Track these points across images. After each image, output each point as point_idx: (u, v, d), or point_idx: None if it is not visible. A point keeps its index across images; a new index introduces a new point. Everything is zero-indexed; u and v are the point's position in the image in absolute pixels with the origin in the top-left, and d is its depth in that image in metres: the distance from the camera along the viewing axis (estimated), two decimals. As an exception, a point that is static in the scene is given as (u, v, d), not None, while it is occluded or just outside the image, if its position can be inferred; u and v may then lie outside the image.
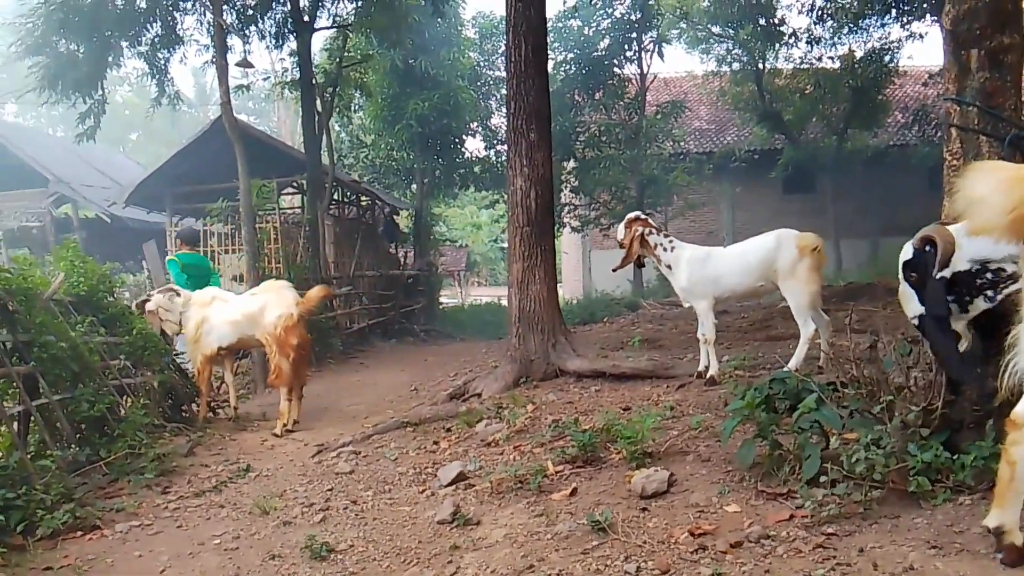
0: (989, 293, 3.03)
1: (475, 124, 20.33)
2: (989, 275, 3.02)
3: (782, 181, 20.06)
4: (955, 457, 3.04)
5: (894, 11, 15.60)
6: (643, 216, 6.51)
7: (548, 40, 17.44)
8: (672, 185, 18.28)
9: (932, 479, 3.01)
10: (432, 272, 18.80)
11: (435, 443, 5.24)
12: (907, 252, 3.20)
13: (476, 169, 20.23)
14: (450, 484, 4.22)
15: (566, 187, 19.19)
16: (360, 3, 13.42)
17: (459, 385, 6.92)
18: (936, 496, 2.97)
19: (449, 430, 5.54)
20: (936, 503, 2.95)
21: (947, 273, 3.01)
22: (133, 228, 18.38)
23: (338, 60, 13.63)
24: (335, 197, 14.59)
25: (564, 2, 18.05)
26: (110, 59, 11.26)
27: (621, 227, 6.37)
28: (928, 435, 3.13)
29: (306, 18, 12.53)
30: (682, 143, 20.53)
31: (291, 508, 4.24)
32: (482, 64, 20.54)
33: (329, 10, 13.66)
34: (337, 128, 19.47)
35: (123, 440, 5.12)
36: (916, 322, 3.28)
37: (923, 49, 67.08)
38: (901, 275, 3.27)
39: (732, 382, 5.06)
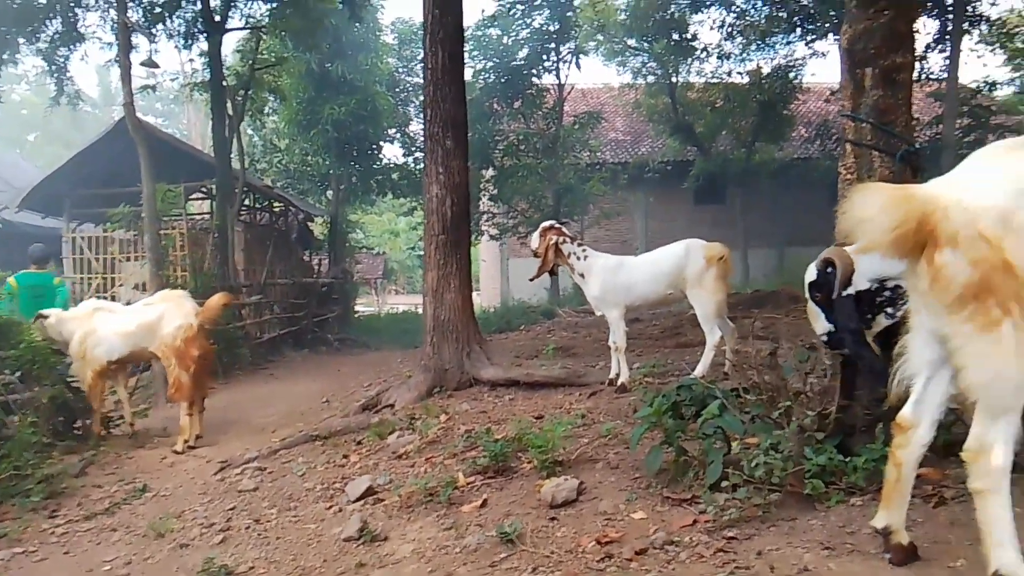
0: (889, 310, 3.16)
1: (393, 130, 20.16)
2: (888, 292, 3.16)
3: (694, 192, 20.63)
4: (848, 460, 3.15)
5: (799, 30, 16.31)
6: (557, 225, 6.57)
7: (467, 48, 17.50)
8: (588, 194, 18.55)
9: (826, 481, 3.11)
10: (347, 280, 18.50)
11: (345, 457, 5.12)
12: (811, 273, 3.31)
13: (394, 176, 20.05)
14: (358, 499, 4.12)
15: (484, 195, 19.22)
16: (274, 5, 13.13)
17: (372, 396, 6.79)
18: (830, 498, 3.07)
19: (360, 443, 5.42)
20: (830, 504, 3.05)
21: (851, 291, 3.13)
22: (28, 234, 17.36)
23: (251, 62, 13.29)
24: (246, 203, 14.19)
25: (483, 11, 18.13)
26: (5, 55, 10.65)
27: (535, 236, 6.42)
28: (823, 439, 3.24)
29: (217, 18, 12.17)
30: (598, 153, 20.88)
31: (189, 529, 4.05)
32: (401, 70, 20.40)
33: (242, 11, 13.32)
34: (250, 132, 18.97)
35: (7, 460, 4.80)
36: (825, 339, 3.39)
37: (825, 66, 70.31)
38: (807, 295, 3.39)
39: (642, 389, 5.14)
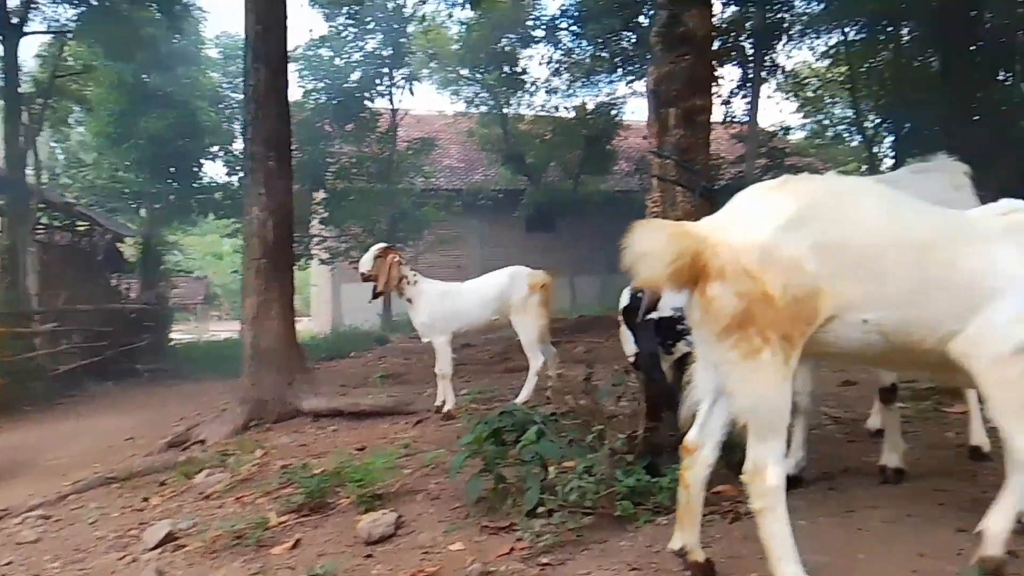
0: (688, 338, 3.33)
1: (217, 148, 19.18)
2: (688, 322, 3.33)
3: (525, 220, 21.18)
4: (655, 480, 3.27)
5: (620, 70, 17.27)
6: (393, 247, 6.48)
7: (297, 68, 17.05)
8: (423, 220, 18.55)
9: (636, 502, 3.20)
10: (162, 305, 17.22)
11: (145, 500, 4.68)
12: (625, 298, 3.44)
13: (217, 195, 19.03)
14: (156, 547, 3.76)
15: (315, 218, 18.68)
16: (83, 9, 12.11)
17: (180, 432, 6.29)
18: (639, 518, 3.16)
19: (163, 484, 4.99)
20: (639, 525, 3.13)
21: (655, 316, 3.27)
22: None
23: (53, 69, 12.17)
24: (43, 221, 12.87)
25: (310, 30, 17.73)
26: None
27: (367, 258, 6.22)
28: (632, 461, 3.35)
29: (14, 20, 11.05)
30: (433, 179, 20.97)
31: (-51, 593, 3.53)
32: (225, 85, 19.49)
33: (44, 13, 12.18)
34: (53, 144, 17.34)
35: None
36: (632, 359, 3.53)
37: (643, 105, 75.32)
38: (621, 318, 3.51)
39: (467, 416, 5.12)
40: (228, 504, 4.37)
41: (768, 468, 2.31)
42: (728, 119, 17.38)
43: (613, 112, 19.24)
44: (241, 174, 18.58)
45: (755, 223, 2.33)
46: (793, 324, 2.26)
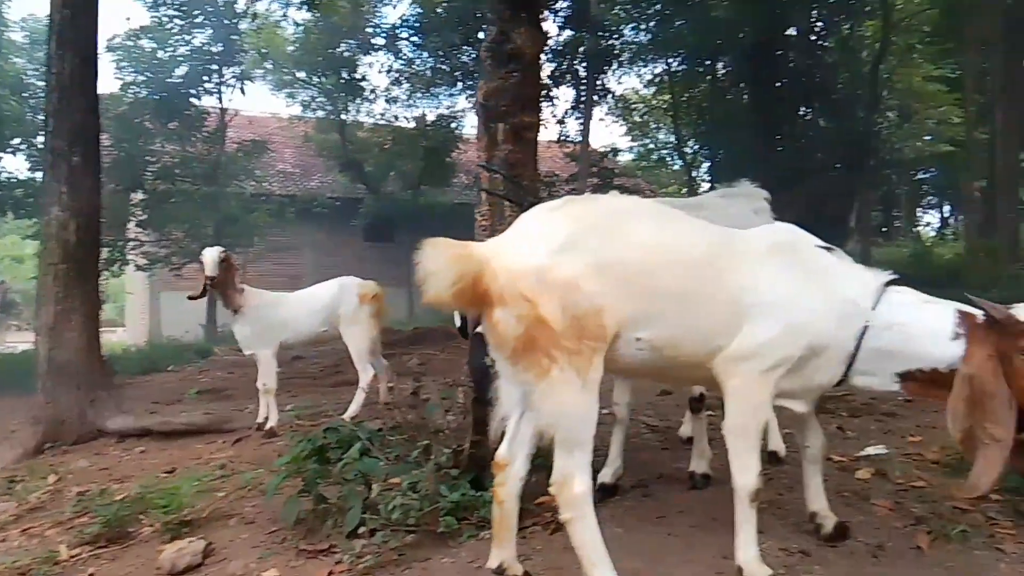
0: None
1: (19, 140, 17.28)
2: None
3: (364, 229, 20.79)
4: (479, 494, 3.26)
5: (460, 84, 17.43)
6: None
7: (115, 58, 15.75)
8: (254, 226, 17.68)
9: (460, 518, 3.18)
10: (-55, 314, 15.29)
11: (-90, 537, 4.08)
12: (457, 316, 3.41)
13: (17, 192, 17.13)
14: (-83, 590, 3.29)
15: (132, 221, 17.30)
16: None
17: (-43, 458, 5.57)
18: (463, 534, 3.13)
19: (-69, 518, 4.37)
20: (463, 541, 3.11)
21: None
22: None
23: None
24: None
25: (127, 19, 16.43)
26: None
27: (214, 259, 5.75)
28: (458, 475, 3.33)
29: None
30: (265, 184, 20.08)
31: None
32: (31, 73, 17.63)
33: None
34: None
35: None
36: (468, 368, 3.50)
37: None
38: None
39: (290, 433, 4.89)
40: (12, 536, 3.90)
41: (575, 478, 2.39)
42: (563, 138, 18.00)
43: (453, 125, 19.36)
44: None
45: (532, 246, 2.39)
46: (580, 341, 2.32)
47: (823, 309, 2.51)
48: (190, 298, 6.22)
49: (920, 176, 23.93)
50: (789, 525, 3.10)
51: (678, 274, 2.43)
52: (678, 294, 2.42)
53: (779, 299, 2.49)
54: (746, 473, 2.53)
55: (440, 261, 2.31)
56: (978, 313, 2.51)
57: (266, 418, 5.69)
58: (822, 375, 2.59)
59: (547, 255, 2.35)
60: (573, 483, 2.39)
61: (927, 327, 2.51)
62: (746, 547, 2.57)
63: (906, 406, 5.27)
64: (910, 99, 18.29)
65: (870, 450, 4.11)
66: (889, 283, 2.61)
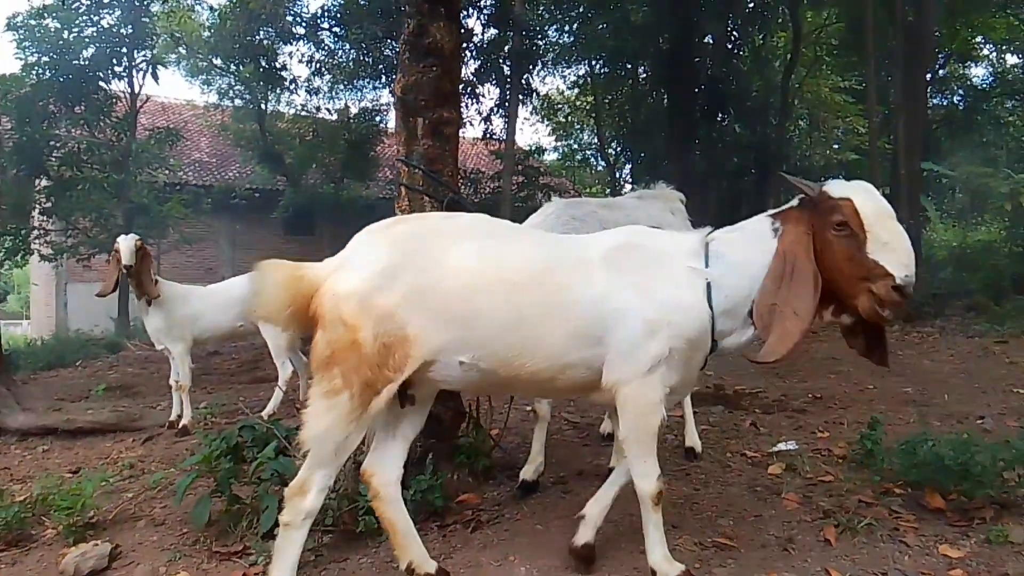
0: None
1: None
2: None
3: (283, 221, 20.29)
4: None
5: (383, 77, 17.20)
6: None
7: (14, 38, 14.85)
8: (167, 216, 16.98)
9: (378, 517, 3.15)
10: None
11: None
12: None
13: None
14: None
15: (36, 209, 16.36)
16: None
17: None
18: (381, 533, 3.10)
19: None
20: (381, 540, 3.08)
21: None
22: None
23: None
24: None
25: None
26: None
27: (131, 248, 5.56)
28: (377, 473, 3.29)
29: None
30: (179, 173, 19.35)
31: None
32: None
33: None
34: None
35: None
36: None
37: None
38: None
39: (201, 432, 4.74)
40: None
41: (310, 493, 2.47)
42: (488, 136, 18.00)
43: (377, 119, 19.06)
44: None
45: (357, 271, 2.42)
46: (380, 369, 2.36)
47: (673, 294, 2.49)
48: (99, 295, 6.01)
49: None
50: (704, 519, 3.21)
51: (502, 295, 2.41)
52: (504, 315, 2.40)
53: (629, 301, 2.47)
54: (646, 479, 2.58)
55: (274, 284, 2.37)
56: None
57: (179, 416, 5.51)
58: (700, 354, 2.59)
59: (367, 280, 2.38)
60: (306, 496, 2.47)
61: (751, 249, 2.51)
62: (655, 549, 2.62)
63: (816, 403, 5.52)
64: (818, 108, 19.11)
65: (781, 446, 4.28)
66: (708, 237, 2.61)
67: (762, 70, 18.18)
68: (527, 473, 3.66)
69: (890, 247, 2.30)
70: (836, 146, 20.50)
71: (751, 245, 2.53)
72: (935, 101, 20.18)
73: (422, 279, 2.38)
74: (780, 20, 17.79)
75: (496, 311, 2.40)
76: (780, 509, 3.29)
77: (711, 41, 17.30)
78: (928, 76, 14.82)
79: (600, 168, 22.61)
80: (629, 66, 18.53)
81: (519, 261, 2.47)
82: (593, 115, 20.78)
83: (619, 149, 21.53)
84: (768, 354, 2.36)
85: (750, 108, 17.83)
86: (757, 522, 3.15)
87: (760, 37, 18.15)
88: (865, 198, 2.38)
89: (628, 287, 2.48)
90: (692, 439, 4.17)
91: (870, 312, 2.33)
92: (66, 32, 15.44)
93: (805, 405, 5.42)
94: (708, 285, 2.50)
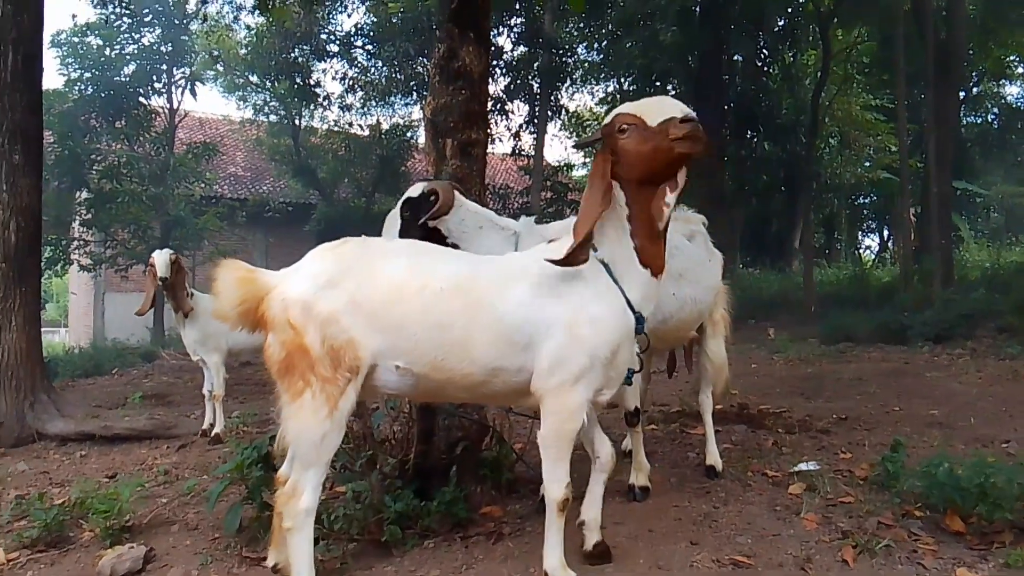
0: None
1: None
2: None
3: (316, 235, 20.59)
4: (424, 504, 3.33)
5: (414, 94, 17.47)
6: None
7: (60, 55, 15.34)
8: (202, 229, 17.36)
9: (404, 527, 3.24)
10: None
11: None
12: (414, 190, 3.45)
13: (-47, 188, 16.52)
14: None
15: (77, 220, 16.83)
16: None
17: None
18: (406, 543, 3.20)
19: None
20: (406, 549, 3.17)
21: (438, 225, 3.31)
22: None
23: None
24: None
25: (73, 16, 15.97)
26: None
27: (166, 261, 5.75)
28: (402, 485, 3.39)
29: None
30: (215, 186, 19.79)
31: None
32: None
33: None
34: None
35: None
36: None
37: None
38: (398, 209, 3.46)
39: (234, 440, 4.89)
40: (-55, 542, 3.81)
41: (304, 494, 2.58)
42: (517, 152, 18.18)
43: (408, 134, 19.35)
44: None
45: (304, 280, 2.61)
46: (335, 371, 2.53)
47: (589, 301, 2.63)
48: (139, 314, 6.08)
49: (860, 201, 24.81)
50: (722, 537, 3.24)
51: (427, 303, 2.58)
52: (430, 324, 2.58)
53: (550, 311, 2.61)
54: (556, 484, 2.69)
55: (228, 282, 2.56)
56: None
57: (211, 424, 5.66)
58: (626, 348, 2.74)
59: (313, 289, 2.57)
60: (301, 498, 2.59)
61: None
62: (552, 553, 2.73)
63: (840, 424, 5.51)
64: (849, 126, 18.98)
65: (802, 466, 4.28)
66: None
67: (792, 88, 18.14)
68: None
69: (662, 108, 2.56)
70: (867, 164, 20.34)
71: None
72: (969, 119, 19.99)
73: (360, 290, 2.58)
74: (810, 38, 17.76)
75: (424, 320, 2.58)
76: (799, 529, 3.31)
77: (740, 59, 17.33)
78: (961, 94, 14.71)
79: (628, 184, 22.60)
80: (658, 83, 18.59)
81: (444, 273, 2.65)
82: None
83: (647, 166, 21.52)
84: (566, 262, 2.57)
85: (779, 126, 17.79)
86: (775, 541, 3.18)
87: (790, 55, 18.13)
88: (629, 105, 2.69)
89: (549, 297, 2.63)
90: (713, 457, 4.20)
91: (683, 152, 2.53)
92: (108, 49, 15.94)
93: (829, 426, 5.41)
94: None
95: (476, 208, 3.44)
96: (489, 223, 3.41)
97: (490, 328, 2.59)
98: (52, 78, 18.97)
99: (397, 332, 2.58)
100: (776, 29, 17.15)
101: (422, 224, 3.30)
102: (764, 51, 17.70)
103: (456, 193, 3.37)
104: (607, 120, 2.68)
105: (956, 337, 9.56)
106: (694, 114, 2.51)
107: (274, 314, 2.56)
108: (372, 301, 2.57)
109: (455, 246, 3.34)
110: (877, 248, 26.46)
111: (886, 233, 26.32)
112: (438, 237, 3.30)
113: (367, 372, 2.60)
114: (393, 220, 3.46)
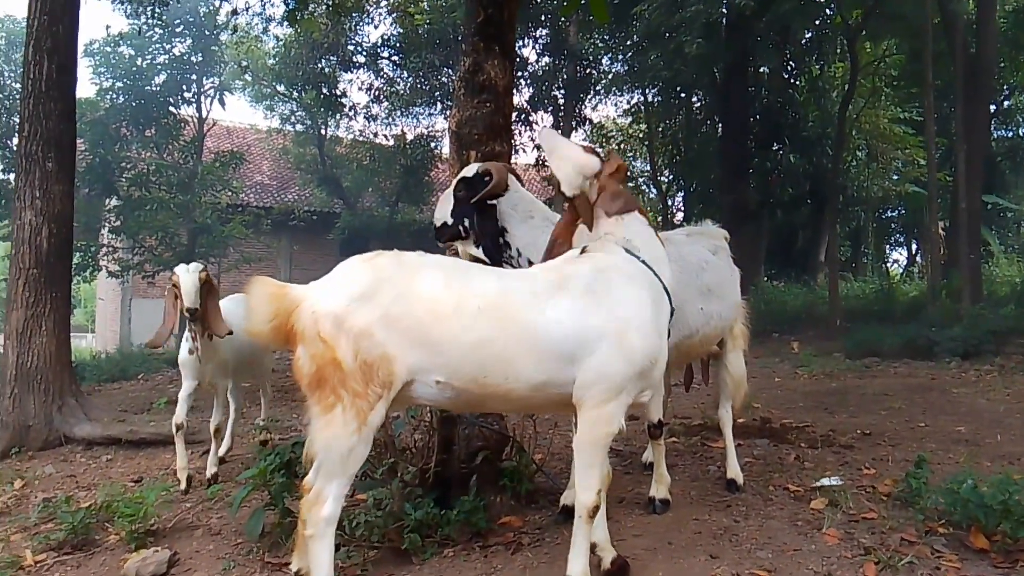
0: None
1: (-9, 141, 17.07)
2: None
3: (339, 243, 20.80)
4: (444, 512, 3.34)
5: (439, 104, 17.60)
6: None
7: (92, 64, 15.65)
8: (228, 236, 17.59)
9: (424, 535, 3.25)
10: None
11: None
12: (469, 170, 3.47)
13: (-11, 194, 16.90)
14: None
15: (106, 227, 17.13)
16: None
17: (-84, 462, 5.52)
18: (426, 551, 3.21)
19: None
20: (425, 558, 3.18)
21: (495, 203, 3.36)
22: None
23: None
24: None
25: (108, 27, 16.32)
26: None
27: (194, 288, 4.34)
28: (423, 493, 3.41)
29: None
30: (241, 195, 20.04)
31: None
32: (8, 75, 17.47)
33: None
34: None
35: None
36: (436, 226, 3.54)
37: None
38: (452, 188, 3.49)
39: (257, 447, 4.93)
40: (-25, 542, 3.89)
41: (327, 502, 2.60)
42: (541, 163, 18.22)
43: (432, 144, 19.48)
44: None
45: (336, 293, 2.59)
46: (366, 385, 2.52)
47: (633, 311, 2.66)
48: (152, 346, 4.93)
49: (887, 214, 24.53)
50: (742, 551, 3.21)
51: (466, 319, 2.57)
52: (470, 342, 2.57)
53: (592, 323, 2.62)
54: (587, 491, 2.69)
55: (260, 298, 2.56)
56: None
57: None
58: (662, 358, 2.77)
59: (346, 303, 2.54)
60: (324, 506, 2.60)
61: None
62: (577, 561, 2.73)
63: (864, 439, 5.44)
64: (877, 139, 18.79)
65: (825, 481, 4.23)
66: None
67: (819, 100, 17.99)
68: (568, 499, 3.71)
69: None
70: (895, 177, 20.12)
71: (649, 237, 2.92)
72: (999, 133, 19.71)
73: (396, 304, 2.56)
74: (838, 51, 17.63)
75: (461, 334, 2.56)
76: (820, 544, 3.28)
77: (766, 71, 17.25)
78: (991, 108, 14.50)
79: (652, 196, 22.56)
80: (683, 95, 18.56)
81: (482, 289, 2.64)
82: (646, 143, 20.81)
83: (672, 177, 21.48)
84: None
85: (806, 138, 17.65)
86: (796, 556, 3.15)
87: (817, 67, 18.01)
88: None
89: (593, 307, 2.63)
90: (733, 471, 4.17)
91: None
92: (140, 59, 16.27)
93: (853, 441, 5.34)
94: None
95: (531, 198, 3.48)
96: (541, 215, 3.45)
97: (533, 346, 2.58)
98: (84, 87, 19.37)
99: (436, 348, 2.56)
100: (803, 41, 17.04)
101: (475, 203, 3.33)
102: (790, 63, 17.60)
103: (512, 178, 3.40)
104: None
105: (984, 353, 9.40)
106: None
107: (304, 327, 2.54)
108: (410, 316, 2.55)
109: (504, 230, 3.40)
110: (905, 262, 26.13)
111: (914, 247, 25.99)
112: (490, 218, 3.34)
113: (401, 386, 2.59)
114: (447, 199, 3.49)
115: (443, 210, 3.47)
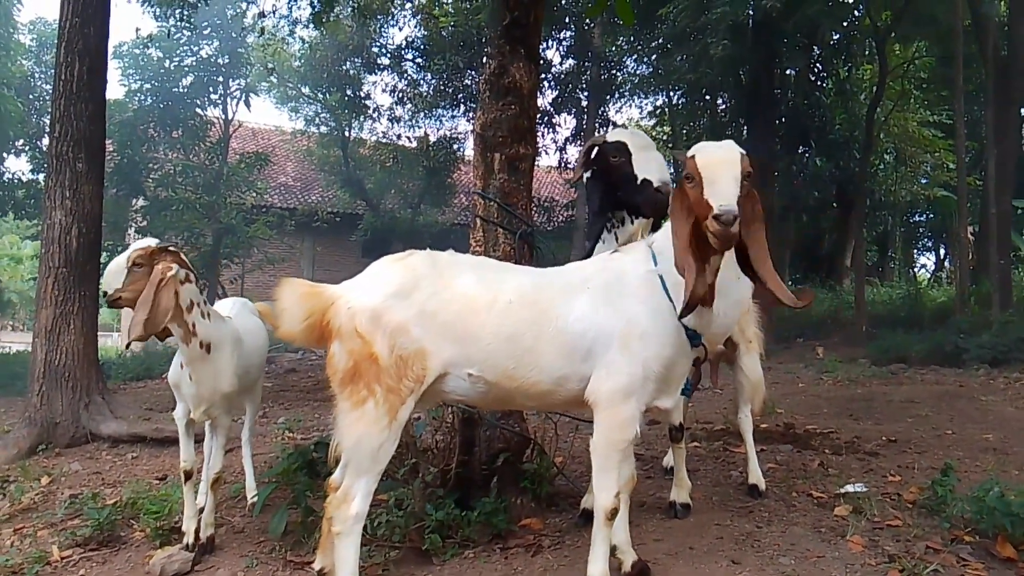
0: None
1: (21, 142, 17.38)
2: None
3: (362, 244, 20.93)
4: (464, 513, 3.35)
5: (462, 107, 17.64)
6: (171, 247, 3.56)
7: (121, 65, 15.88)
8: (252, 237, 17.77)
9: (444, 536, 3.26)
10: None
11: (-98, 531, 4.14)
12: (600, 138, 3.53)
13: (19, 193, 17.21)
14: (-92, 584, 3.35)
15: (132, 227, 17.38)
16: None
17: (-51, 456, 5.63)
18: (446, 552, 3.22)
19: (-74, 513, 4.43)
20: (446, 558, 3.19)
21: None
22: None
23: None
24: None
25: (137, 29, 16.56)
26: None
27: (119, 261, 3.59)
28: (444, 494, 3.41)
29: None
30: (265, 196, 20.23)
31: None
32: (39, 76, 17.80)
33: None
34: None
35: None
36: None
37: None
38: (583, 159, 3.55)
39: (279, 445, 4.97)
40: (5, 536, 4.00)
41: (355, 500, 2.62)
42: (563, 165, 18.21)
43: (455, 147, 19.54)
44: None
45: (371, 290, 2.63)
46: (400, 380, 2.56)
47: (639, 310, 2.65)
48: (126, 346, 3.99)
49: (915, 219, 24.18)
50: (764, 557, 3.18)
51: (498, 314, 2.63)
52: (503, 335, 2.62)
53: (606, 321, 2.64)
54: (605, 492, 2.68)
55: (291, 299, 2.59)
56: None
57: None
58: (683, 360, 2.73)
59: (382, 299, 2.59)
60: (352, 503, 2.62)
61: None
62: (597, 563, 2.71)
63: (889, 446, 5.37)
64: (905, 143, 18.54)
65: (849, 488, 4.18)
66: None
67: (846, 103, 17.78)
68: (588, 503, 3.70)
69: (718, 188, 2.40)
70: (924, 181, 19.83)
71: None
72: (1030, 136, 19.34)
73: (431, 301, 2.62)
74: (866, 53, 17.42)
75: (495, 328, 2.61)
76: (844, 551, 3.23)
77: (793, 73, 17.08)
78: (1022, 111, 14.24)
79: (675, 199, 22.43)
80: (708, 97, 18.41)
81: (512, 285, 2.70)
82: (670, 145, 20.71)
83: (695, 180, 21.31)
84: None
85: (833, 141, 17.45)
86: (819, 563, 3.11)
87: (845, 70, 17.80)
88: (703, 149, 2.52)
89: (608, 309, 2.66)
90: (755, 476, 4.13)
91: (713, 243, 2.45)
92: (168, 61, 16.48)
93: (878, 448, 5.27)
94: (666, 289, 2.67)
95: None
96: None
97: (556, 339, 2.64)
98: (113, 88, 19.64)
99: (471, 342, 2.62)
100: (831, 43, 16.85)
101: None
102: (818, 65, 17.40)
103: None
104: (690, 152, 2.56)
105: (1013, 361, 9.23)
106: (733, 212, 2.32)
107: (340, 323, 2.58)
108: (446, 312, 2.61)
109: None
110: (933, 267, 25.74)
111: (942, 252, 25.59)
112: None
113: (434, 380, 2.63)
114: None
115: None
